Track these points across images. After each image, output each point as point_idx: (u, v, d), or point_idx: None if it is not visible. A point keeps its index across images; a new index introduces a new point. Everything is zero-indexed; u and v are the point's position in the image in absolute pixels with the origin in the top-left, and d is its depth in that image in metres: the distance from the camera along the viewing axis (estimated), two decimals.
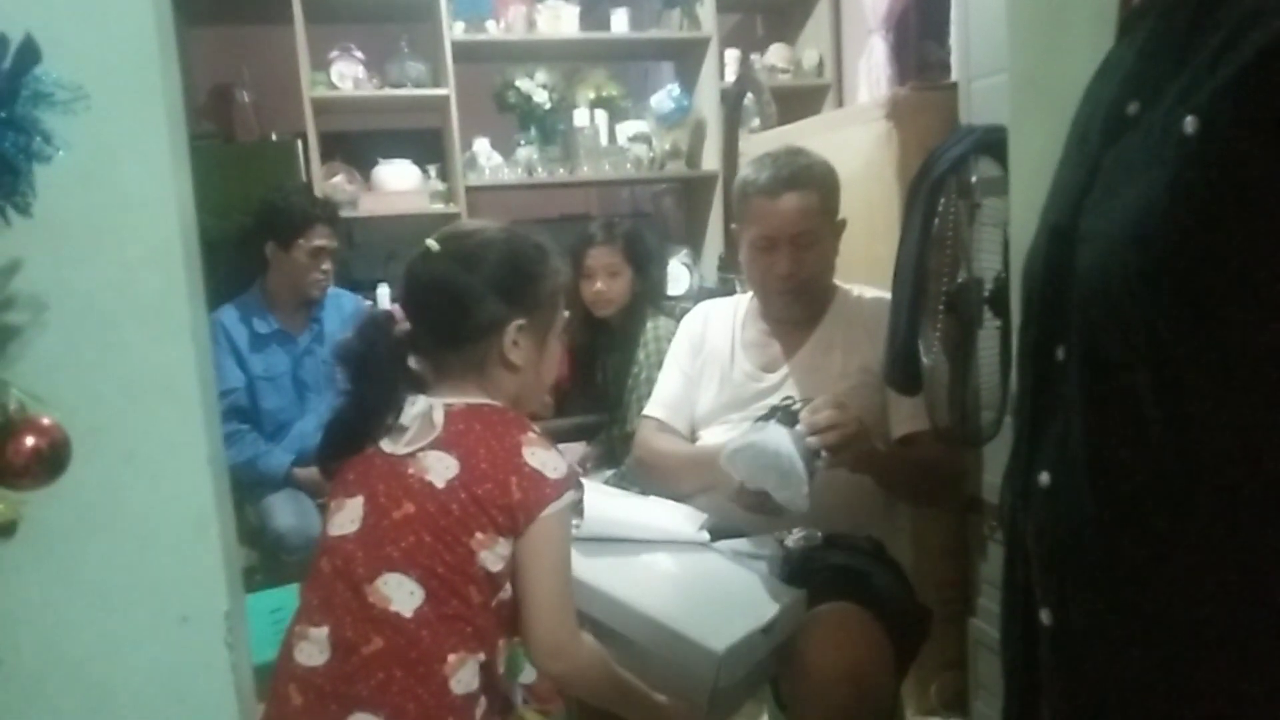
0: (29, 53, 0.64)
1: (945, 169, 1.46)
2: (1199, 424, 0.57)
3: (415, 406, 1.13)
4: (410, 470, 1.10)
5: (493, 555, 1.09)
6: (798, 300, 1.77)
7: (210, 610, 0.88)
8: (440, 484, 1.09)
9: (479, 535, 1.08)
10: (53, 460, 0.68)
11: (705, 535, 1.59)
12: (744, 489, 1.49)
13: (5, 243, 0.73)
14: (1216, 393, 0.56)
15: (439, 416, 1.12)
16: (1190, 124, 0.54)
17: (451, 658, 1.06)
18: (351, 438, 1.15)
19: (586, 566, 1.49)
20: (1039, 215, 0.77)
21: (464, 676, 1.07)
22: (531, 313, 1.20)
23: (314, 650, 1.05)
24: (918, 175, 1.54)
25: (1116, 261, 0.59)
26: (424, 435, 1.12)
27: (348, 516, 1.10)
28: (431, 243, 1.18)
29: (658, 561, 1.55)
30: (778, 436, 1.42)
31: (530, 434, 1.15)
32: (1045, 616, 0.70)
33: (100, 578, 0.84)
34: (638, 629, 1.38)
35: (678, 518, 1.64)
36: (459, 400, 1.16)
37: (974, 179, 1.46)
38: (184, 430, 0.84)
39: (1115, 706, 0.65)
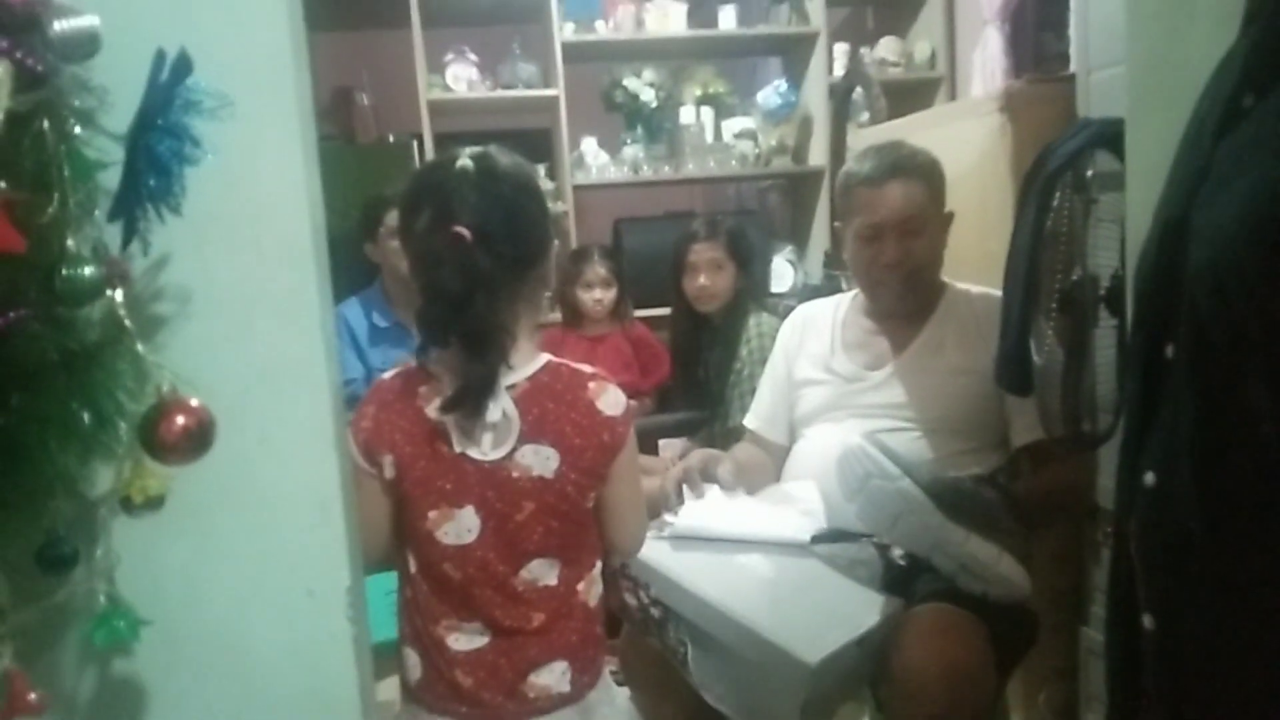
0: (183, 65, 0.70)
1: (1061, 163, 1.42)
2: None
3: (489, 413, 1.13)
4: (515, 474, 1.15)
5: (596, 494, 1.21)
6: (906, 292, 1.75)
7: (334, 585, 0.93)
8: (550, 475, 1.14)
9: (591, 494, 1.20)
10: (200, 438, 0.74)
11: (805, 537, 1.58)
12: None
13: (157, 239, 0.79)
14: None
15: (512, 410, 1.14)
16: None
17: (581, 585, 1.22)
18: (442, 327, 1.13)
19: (680, 564, 1.50)
20: (1154, 211, 0.76)
21: (594, 590, 1.25)
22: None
23: (469, 638, 1.18)
24: (1032, 169, 1.50)
25: (1229, 255, 0.58)
26: (507, 434, 1.14)
27: (461, 526, 1.15)
28: (467, 163, 1.14)
29: (754, 564, 1.54)
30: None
31: (590, 383, 1.19)
32: (1148, 621, 0.69)
33: (236, 550, 0.90)
34: (730, 634, 1.39)
35: (784, 521, 1.64)
36: (518, 377, 1.16)
37: (1090, 173, 1.42)
38: (313, 416, 0.90)
39: (1209, 712, 0.64)
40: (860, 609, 1.43)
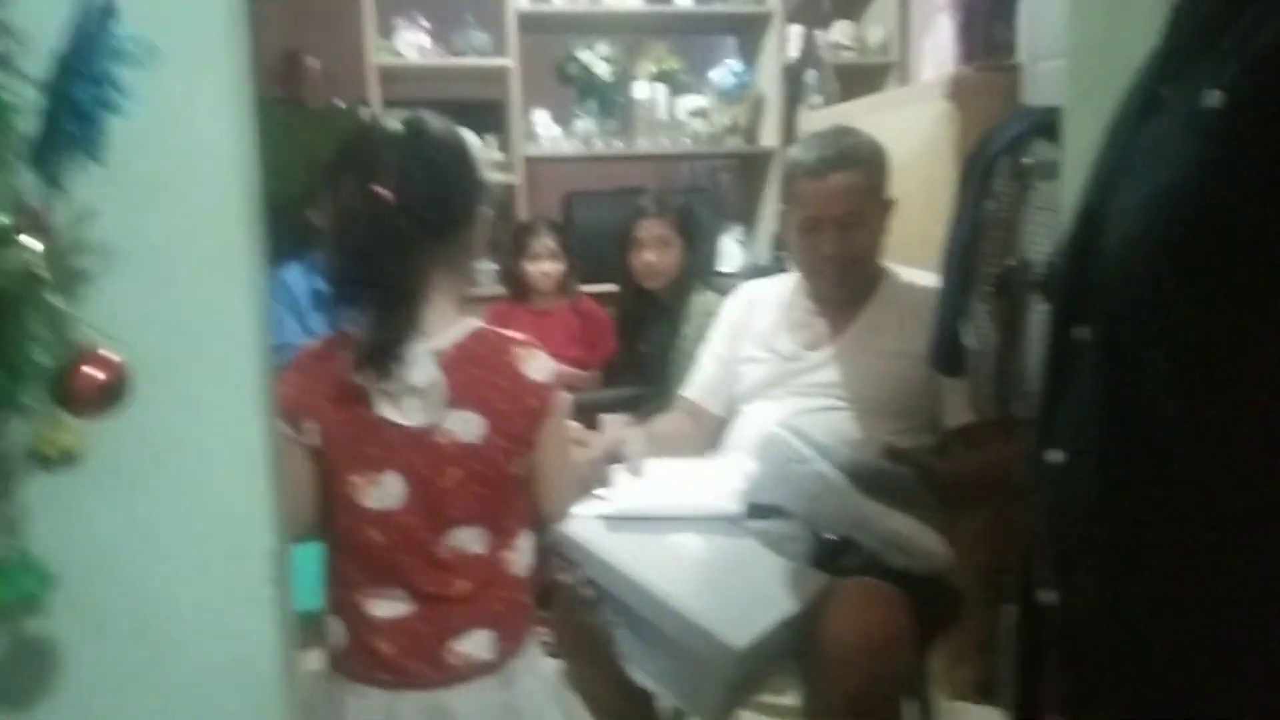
0: (107, 11, 0.68)
1: (1000, 149, 1.45)
2: (1214, 405, 0.57)
3: (412, 374, 1.13)
4: (440, 440, 1.14)
5: (524, 461, 1.21)
6: (844, 281, 1.77)
7: (257, 548, 0.91)
8: (476, 441, 1.14)
9: (518, 459, 1.20)
10: (114, 392, 0.72)
11: (738, 509, 1.60)
12: None
13: (81, 191, 0.77)
14: (1233, 375, 0.56)
15: (438, 376, 1.13)
16: (1215, 98, 0.54)
17: (508, 553, 1.22)
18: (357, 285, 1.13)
19: (612, 545, 1.50)
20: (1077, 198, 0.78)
21: (522, 559, 1.25)
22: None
23: (392, 605, 1.17)
24: (972, 154, 1.53)
25: (1137, 240, 0.60)
26: (432, 399, 1.14)
27: (385, 491, 1.15)
28: (396, 125, 1.14)
29: (686, 544, 1.55)
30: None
31: (517, 349, 1.19)
32: (1049, 596, 0.70)
33: (156, 509, 0.88)
34: (659, 615, 1.40)
35: (716, 490, 1.65)
36: (444, 343, 1.16)
37: (1028, 161, 1.45)
38: (240, 376, 0.88)
39: (1111, 684, 0.66)
40: (789, 589, 1.44)
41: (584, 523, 1.54)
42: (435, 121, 1.17)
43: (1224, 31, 0.58)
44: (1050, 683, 0.73)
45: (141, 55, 0.69)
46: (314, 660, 1.25)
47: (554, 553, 1.54)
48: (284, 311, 2.51)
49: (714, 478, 1.69)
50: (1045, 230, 1.48)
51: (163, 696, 0.92)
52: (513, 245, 2.93)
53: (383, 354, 1.11)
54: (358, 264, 1.11)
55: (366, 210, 1.09)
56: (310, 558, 1.24)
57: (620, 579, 1.45)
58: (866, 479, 1.42)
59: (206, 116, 0.83)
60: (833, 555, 1.52)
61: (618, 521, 1.57)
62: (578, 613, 1.55)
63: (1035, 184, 1.47)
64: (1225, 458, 0.57)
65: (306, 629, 1.21)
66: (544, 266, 2.84)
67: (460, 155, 1.18)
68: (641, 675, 1.47)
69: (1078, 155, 1.29)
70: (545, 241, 2.84)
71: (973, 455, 1.67)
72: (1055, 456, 0.68)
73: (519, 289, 2.92)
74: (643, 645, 1.45)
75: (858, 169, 1.70)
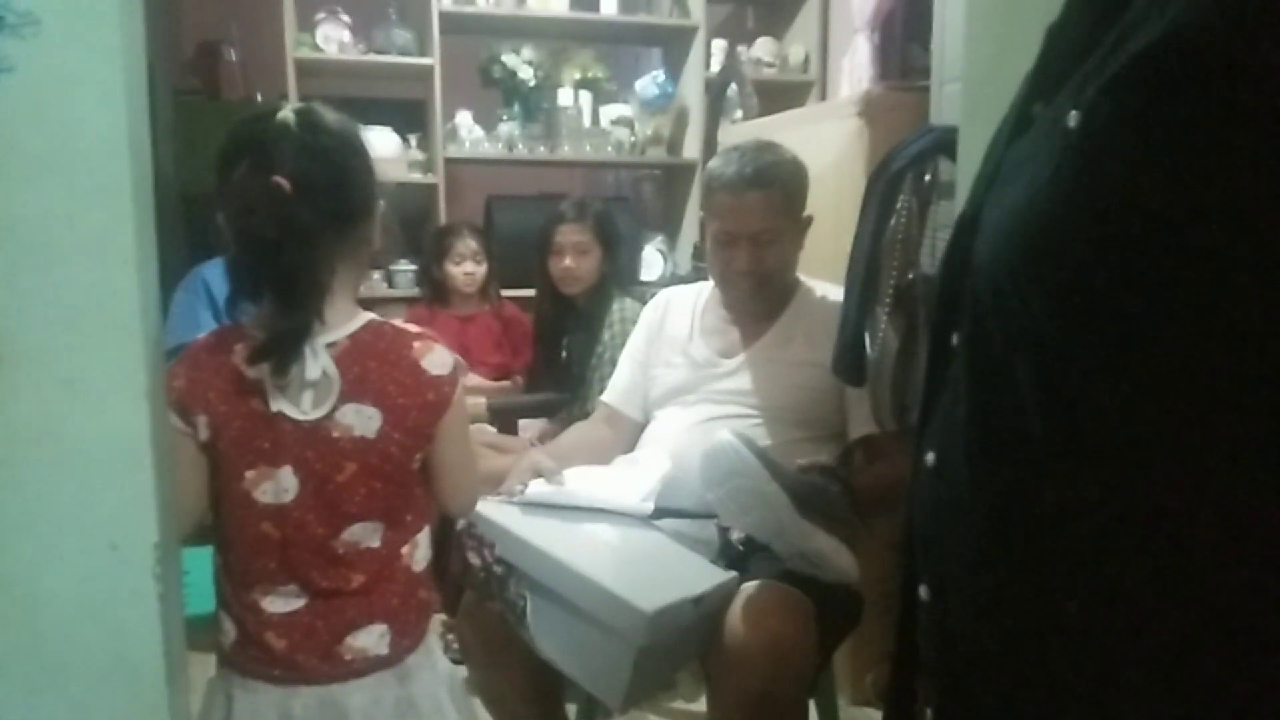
0: None
1: (902, 165, 1.50)
2: (1073, 413, 0.59)
3: (306, 367, 1.12)
4: (335, 434, 1.13)
5: (421, 456, 1.21)
6: (756, 294, 1.80)
7: (140, 540, 0.89)
8: (372, 435, 1.13)
9: (417, 455, 1.19)
10: None
11: (649, 507, 1.62)
12: None
13: None
14: (1091, 382, 0.58)
15: (332, 369, 1.12)
16: (1073, 118, 0.56)
17: (406, 549, 1.20)
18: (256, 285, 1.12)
19: (527, 525, 1.53)
20: None
21: (421, 554, 1.23)
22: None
23: (285, 600, 1.15)
24: (876, 170, 1.57)
25: (1001, 252, 0.62)
26: (326, 393, 1.12)
27: (279, 486, 1.13)
28: (289, 115, 1.12)
29: (600, 530, 1.58)
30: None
31: (414, 342, 1.18)
32: (923, 592, 0.72)
33: (33, 499, 0.85)
34: (570, 585, 1.41)
35: (629, 490, 1.67)
36: (338, 335, 1.15)
37: (928, 178, 1.50)
38: (123, 362, 0.86)
39: (982, 680, 0.68)
40: (698, 574, 1.47)
41: (500, 506, 1.57)
42: (328, 113, 1.16)
43: (1088, 54, 0.61)
44: (925, 677, 0.74)
45: (18, 24, 0.68)
46: (209, 666, 1.23)
47: (466, 535, 1.55)
48: (202, 308, 2.45)
49: (628, 480, 1.71)
50: (944, 246, 1.53)
51: (41, 692, 0.90)
52: (434, 247, 2.90)
53: (283, 347, 1.09)
54: (257, 255, 1.09)
55: (266, 200, 1.07)
56: (204, 560, 1.22)
57: (534, 553, 1.46)
58: (804, 496, 1.44)
59: (92, 92, 0.81)
60: (739, 559, 1.55)
61: (533, 507, 1.59)
62: (487, 597, 1.55)
63: (937, 202, 1.53)
64: (1086, 462, 0.59)
65: (202, 632, 1.19)
66: (467, 267, 2.83)
67: (355, 148, 1.17)
68: (549, 653, 1.48)
69: (970, 173, 1.34)
70: (468, 243, 2.83)
71: (879, 466, 1.71)
72: (929, 458, 0.71)
73: (439, 292, 2.90)
74: (551, 621, 1.46)
75: (774, 187, 1.72)
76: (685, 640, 1.46)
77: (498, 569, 1.51)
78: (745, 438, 1.48)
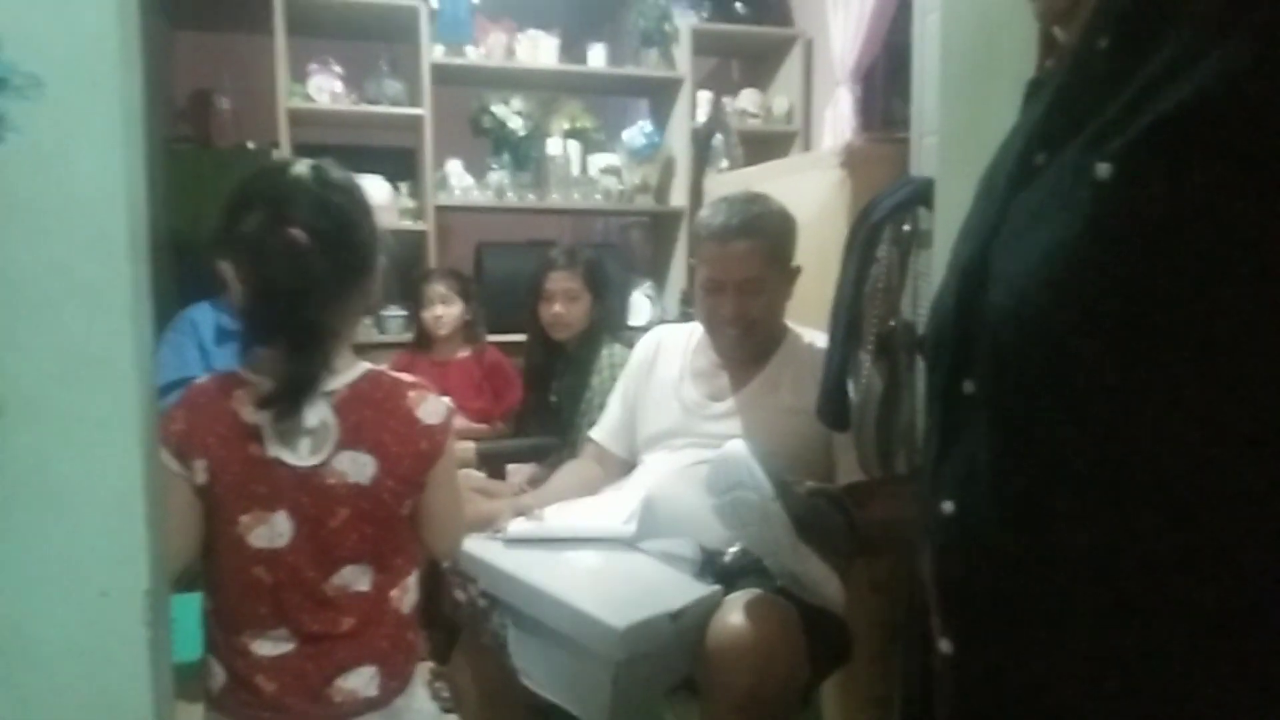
0: None
1: (881, 216, 1.53)
2: (1109, 456, 0.59)
3: (307, 418, 1.14)
4: (330, 480, 1.15)
5: (412, 503, 1.21)
6: (742, 341, 1.83)
7: (131, 588, 0.90)
8: (366, 482, 1.15)
9: (408, 501, 1.21)
10: None
11: (631, 529, 1.64)
12: None
13: None
14: (1127, 425, 0.58)
15: (330, 417, 1.15)
16: (1103, 170, 0.58)
17: (394, 592, 1.22)
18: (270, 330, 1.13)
19: (509, 558, 1.56)
20: (949, 259, 0.82)
21: (409, 597, 1.25)
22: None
23: (274, 644, 1.16)
24: (857, 220, 1.61)
25: (1029, 300, 0.63)
26: (324, 440, 1.15)
27: (273, 530, 1.14)
28: (304, 170, 1.15)
29: (582, 557, 1.61)
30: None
31: (409, 392, 1.21)
32: (945, 646, 0.71)
33: (25, 545, 0.86)
34: (547, 611, 1.44)
35: (611, 514, 1.70)
36: (337, 384, 1.17)
37: (907, 228, 1.53)
38: (117, 412, 0.87)
39: None
40: (676, 589, 1.50)
41: (484, 542, 1.60)
42: (335, 170, 1.20)
43: (1098, 110, 0.62)
44: None
45: (23, 85, 0.70)
46: (197, 715, 1.22)
47: (451, 573, 1.56)
48: (190, 346, 2.47)
49: (610, 505, 1.73)
50: (924, 294, 1.56)
51: None
52: (413, 294, 2.92)
53: (294, 394, 1.12)
54: (276, 305, 1.11)
55: (283, 252, 1.10)
56: (190, 608, 1.22)
57: (513, 583, 1.49)
58: (806, 523, 1.44)
59: (91, 148, 0.83)
60: (728, 575, 1.56)
61: (516, 543, 1.61)
62: (475, 631, 1.55)
63: (915, 250, 1.56)
64: (1137, 502, 0.59)
65: (190, 679, 1.19)
66: (436, 311, 2.83)
67: (363, 204, 1.21)
68: (534, 683, 1.49)
69: (947, 222, 1.38)
70: (437, 288, 2.83)
71: (877, 506, 1.71)
72: (947, 507, 0.70)
73: (421, 338, 2.91)
74: (533, 648, 1.49)
75: (761, 238, 1.76)
76: (668, 657, 1.47)
77: (481, 602, 1.52)
78: (761, 452, 1.49)
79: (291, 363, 1.12)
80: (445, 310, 2.84)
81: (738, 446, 1.48)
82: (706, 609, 1.47)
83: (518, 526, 1.66)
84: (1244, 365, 0.55)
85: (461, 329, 2.89)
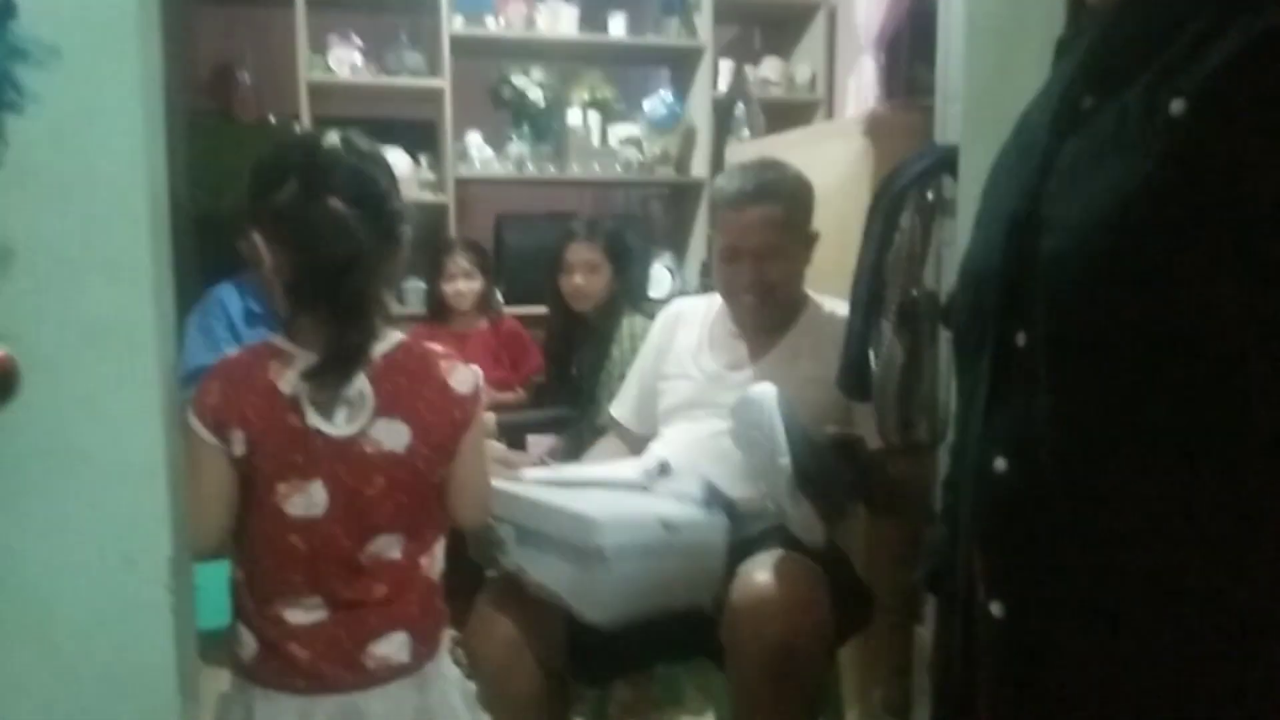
0: (5, 8, 0.68)
1: (905, 184, 1.51)
2: (1180, 404, 0.57)
3: (347, 389, 1.15)
4: (367, 449, 1.16)
5: (443, 471, 1.24)
6: (760, 309, 1.81)
7: (154, 554, 0.91)
8: (402, 450, 1.17)
9: (439, 470, 1.23)
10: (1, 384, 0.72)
11: (650, 479, 1.66)
12: None
13: None
14: (1200, 373, 0.56)
15: (367, 386, 1.16)
16: (1177, 106, 0.56)
17: (424, 559, 1.24)
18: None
19: (517, 486, 1.60)
20: (986, 211, 0.78)
21: (437, 565, 1.27)
22: None
23: (307, 612, 1.18)
24: (880, 188, 1.59)
25: (1094, 244, 0.60)
26: (360, 409, 1.16)
27: (310, 499, 1.15)
28: (336, 140, 1.16)
29: (588, 490, 1.64)
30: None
31: (441, 361, 1.23)
32: (996, 609, 0.68)
33: (49, 512, 0.87)
34: (543, 519, 1.50)
35: (628, 468, 1.73)
36: (373, 354, 1.18)
37: (930, 197, 1.51)
38: (139, 379, 0.88)
39: (1071, 699, 0.65)
40: (676, 509, 1.54)
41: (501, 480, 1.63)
42: (363, 140, 1.21)
43: (1162, 46, 0.60)
44: (987, 697, 0.71)
45: (42, 56, 0.70)
46: (223, 680, 1.24)
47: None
48: (220, 329, 2.49)
49: (628, 464, 1.78)
50: (948, 263, 1.54)
51: (56, 705, 0.91)
52: (432, 266, 2.92)
53: (343, 365, 1.14)
54: (323, 276, 1.12)
55: (326, 223, 1.11)
56: (213, 576, 1.23)
57: (521, 503, 1.55)
58: (809, 475, 1.44)
59: (111, 119, 0.83)
60: (748, 545, 1.57)
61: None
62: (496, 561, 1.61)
63: (938, 219, 1.54)
64: (1203, 454, 0.57)
65: (216, 646, 1.21)
66: (458, 286, 2.84)
67: (390, 173, 1.22)
68: (538, 580, 1.53)
69: (972, 189, 1.36)
70: (459, 261, 2.84)
71: (891, 471, 1.70)
72: (999, 464, 0.68)
73: (439, 310, 2.91)
74: (539, 554, 1.53)
75: (776, 203, 1.74)
76: (666, 567, 1.49)
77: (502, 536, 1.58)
78: (788, 401, 1.48)
79: (339, 333, 1.13)
80: (467, 285, 2.84)
81: (766, 391, 1.48)
82: (710, 537, 1.51)
83: (533, 473, 1.69)
84: None
85: (479, 301, 2.89)
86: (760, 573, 1.44)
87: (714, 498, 1.61)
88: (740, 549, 1.56)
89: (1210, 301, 0.55)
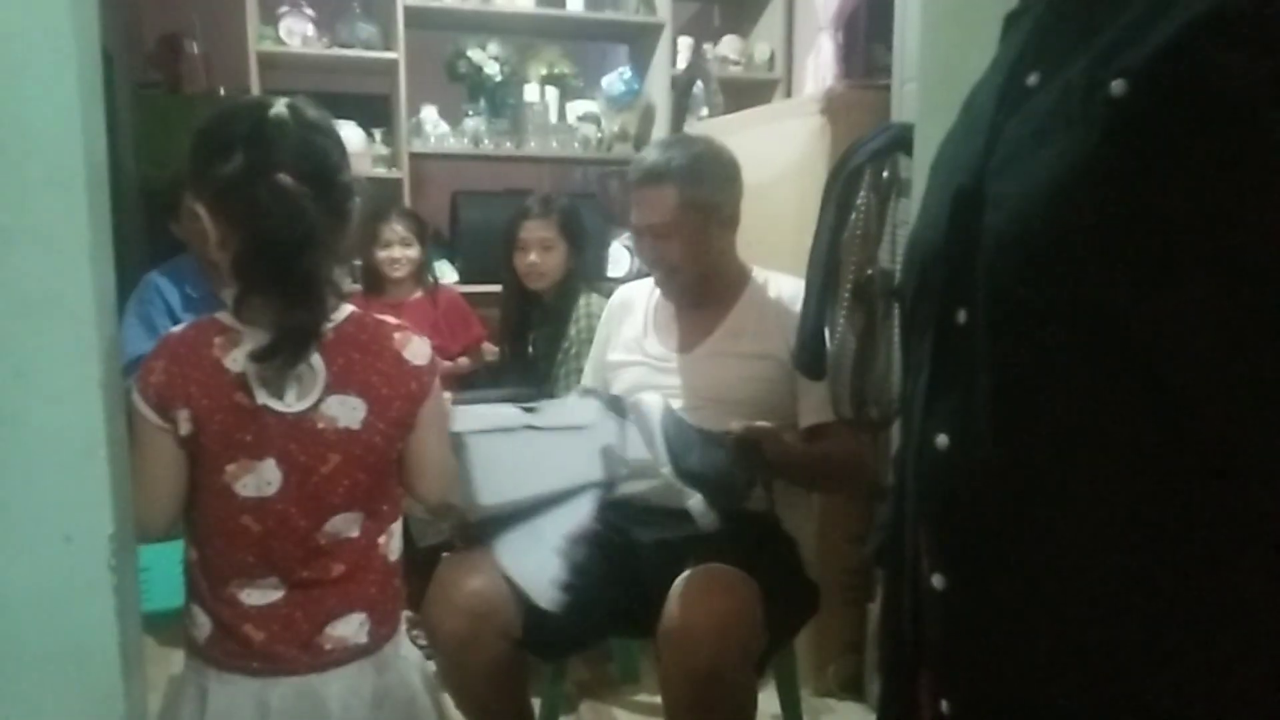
0: None
1: (860, 162, 1.52)
2: (1115, 382, 0.58)
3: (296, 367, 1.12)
4: (320, 425, 1.13)
5: (401, 446, 1.22)
6: (677, 287, 1.82)
7: (95, 532, 0.89)
8: (357, 425, 1.14)
9: (397, 445, 1.20)
10: None
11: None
12: None
13: None
14: (1139, 350, 0.57)
15: (318, 361, 1.13)
16: (1117, 87, 0.56)
17: (382, 538, 1.22)
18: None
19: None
20: (930, 189, 0.78)
21: (395, 544, 1.25)
22: None
23: (263, 593, 1.15)
24: (835, 167, 1.59)
25: (1033, 222, 0.60)
26: (312, 385, 1.13)
27: (261, 479, 1.12)
28: (283, 111, 1.12)
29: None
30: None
31: (395, 333, 1.21)
32: (938, 581, 0.69)
33: None
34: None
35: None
36: (323, 327, 1.15)
37: (886, 175, 1.52)
38: (76, 351, 0.85)
39: (1010, 669, 0.65)
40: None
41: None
42: (312, 109, 1.16)
43: (1104, 24, 0.60)
44: (938, 668, 0.72)
45: None
46: (176, 662, 1.22)
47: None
48: (159, 316, 2.43)
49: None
50: (903, 242, 1.55)
51: None
52: (363, 234, 2.85)
53: (296, 346, 1.10)
54: (274, 254, 1.08)
55: (274, 200, 1.07)
56: (164, 557, 1.21)
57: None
58: (693, 473, 1.57)
59: (44, 86, 0.81)
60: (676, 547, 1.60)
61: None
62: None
63: (894, 197, 1.55)
64: (1133, 434, 0.57)
65: (170, 628, 1.18)
66: (395, 252, 2.75)
67: (340, 143, 1.18)
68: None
69: (927, 170, 1.36)
70: (395, 228, 2.76)
71: (823, 440, 1.72)
72: (940, 440, 0.68)
73: (373, 281, 2.83)
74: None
75: (669, 182, 1.73)
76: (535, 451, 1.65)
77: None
78: (673, 413, 1.58)
79: (290, 313, 1.09)
80: (404, 252, 2.77)
81: (653, 404, 1.58)
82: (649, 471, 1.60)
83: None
84: (1276, 282, 0.52)
85: (415, 270, 2.83)
86: (687, 598, 1.46)
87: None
88: (672, 551, 1.57)
89: (1146, 281, 0.56)
